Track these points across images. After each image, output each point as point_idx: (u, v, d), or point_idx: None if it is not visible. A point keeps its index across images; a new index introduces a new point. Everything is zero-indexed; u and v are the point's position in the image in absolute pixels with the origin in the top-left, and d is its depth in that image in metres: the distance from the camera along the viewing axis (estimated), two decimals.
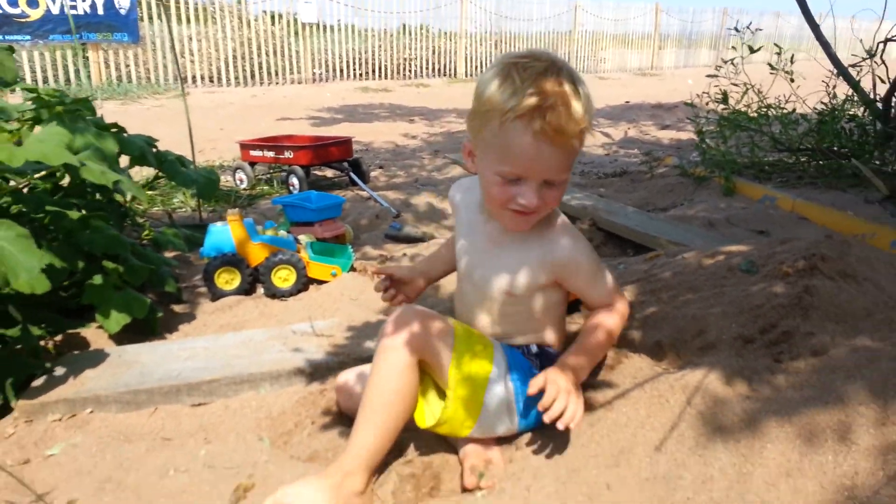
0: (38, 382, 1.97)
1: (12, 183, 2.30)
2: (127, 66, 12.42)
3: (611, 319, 1.57)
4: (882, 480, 1.21)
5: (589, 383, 1.82)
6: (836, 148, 4.29)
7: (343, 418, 1.89)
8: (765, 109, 4.79)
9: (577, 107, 1.31)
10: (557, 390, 1.36)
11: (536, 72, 1.31)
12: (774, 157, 4.75)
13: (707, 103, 4.92)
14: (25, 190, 2.42)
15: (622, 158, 6.20)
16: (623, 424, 1.49)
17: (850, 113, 4.50)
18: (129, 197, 3.32)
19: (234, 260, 2.82)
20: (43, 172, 2.25)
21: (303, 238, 3.11)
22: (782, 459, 1.30)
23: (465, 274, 1.64)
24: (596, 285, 1.57)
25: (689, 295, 2.03)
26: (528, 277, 1.54)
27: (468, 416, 1.49)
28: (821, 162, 4.35)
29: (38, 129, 2.38)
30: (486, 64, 16.66)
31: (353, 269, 3.05)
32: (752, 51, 4.61)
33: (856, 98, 4.43)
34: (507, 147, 1.34)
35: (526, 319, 1.62)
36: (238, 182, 5.13)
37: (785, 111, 4.75)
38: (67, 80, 11.62)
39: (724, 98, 4.82)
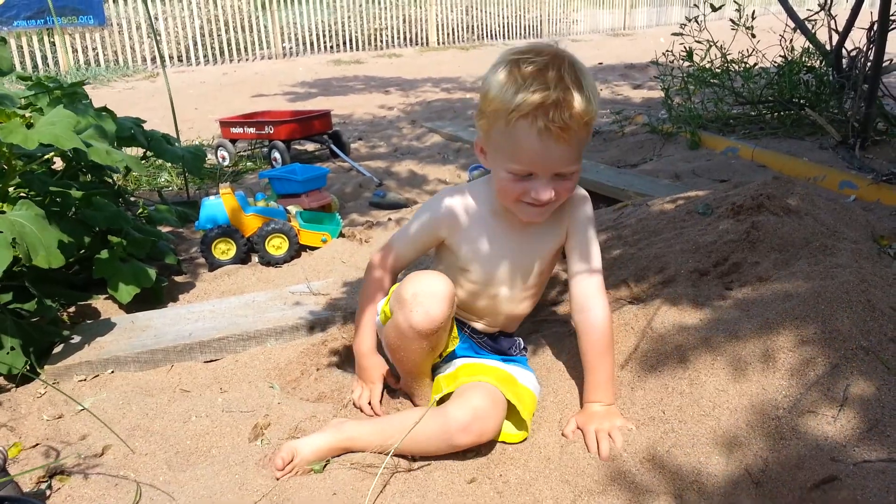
0: (59, 349, 2.13)
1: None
2: (94, 49, 12.30)
3: (602, 323, 1.57)
4: (802, 387, 1.43)
5: (563, 318, 2.03)
6: (794, 99, 4.50)
7: (345, 363, 2.08)
8: (727, 65, 4.97)
9: (579, 100, 1.32)
10: (595, 443, 1.46)
11: (538, 68, 1.32)
12: (738, 110, 4.95)
13: (673, 61, 5.09)
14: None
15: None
16: None
17: (808, 65, 4.70)
18: (120, 177, 3.45)
19: (229, 231, 2.98)
20: (51, 154, 2.38)
21: (292, 208, 3.27)
22: (731, 369, 1.52)
23: (486, 276, 1.62)
24: (590, 258, 1.60)
25: (651, 237, 2.23)
26: (554, 249, 1.63)
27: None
28: (781, 113, 4.56)
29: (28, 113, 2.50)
30: (458, 31, 16.66)
31: (342, 234, 3.22)
32: (714, 9, 4.77)
33: (813, 50, 4.63)
34: (515, 146, 1.37)
35: (537, 294, 1.72)
36: (220, 159, 5.24)
37: (746, 66, 4.94)
38: (35, 67, 11.50)
39: (690, 55, 5.00)
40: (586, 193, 1.63)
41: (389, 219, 3.58)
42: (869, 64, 3.75)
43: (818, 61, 4.62)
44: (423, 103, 8.08)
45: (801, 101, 4.43)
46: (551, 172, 1.40)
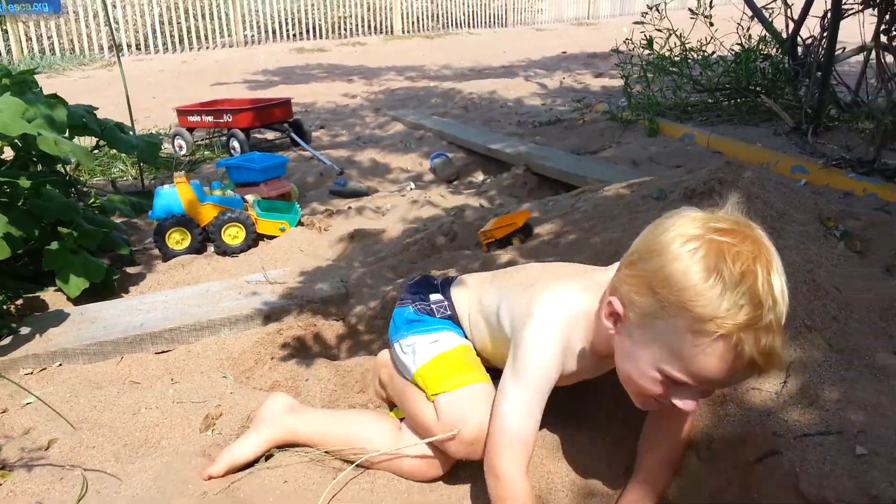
0: (5, 342, 2.08)
1: None
2: (49, 37, 11.97)
3: (680, 431, 1.33)
4: None
5: None
6: (751, 86, 4.57)
7: (300, 352, 2.06)
8: (686, 53, 5.03)
9: (784, 317, 1.03)
10: None
11: (747, 265, 0.99)
12: (696, 97, 5.01)
13: (633, 49, 5.13)
14: None
15: (557, 107, 6.40)
16: None
17: (765, 53, 4.77)
18: (72, 166, 3.36)
19: (184, 220, 2.93)
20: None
21: (249, 197, 3.22)
22: None
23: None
24: None
25: (607, 222, 2.25)
26: None
27: None
28: (737, 100, 4.63)
29: None
30: (423, 19, 16.56)
31: (301, 223, 3.19)
32: None
33: (769, 38, 4.71)
34: (693, 359, 1.04)
35: None
36: (177, 149, 5.15)
37: (705, 54, 5.00)
38: None
39: (650, 44, 5.05)
40: None
41: (350, 207, 3.56)
42: (822, 52, 3.82)
43: (774, 49, 4.70)
44: (386, 92, 8.03)
45: (757, 89, 4.50)
46: (715, 389, 1.12)
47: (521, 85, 8.01)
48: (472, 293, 1.52)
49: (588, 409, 1.52)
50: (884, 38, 3.67)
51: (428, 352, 1.46)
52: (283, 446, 1.54)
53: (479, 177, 4.41)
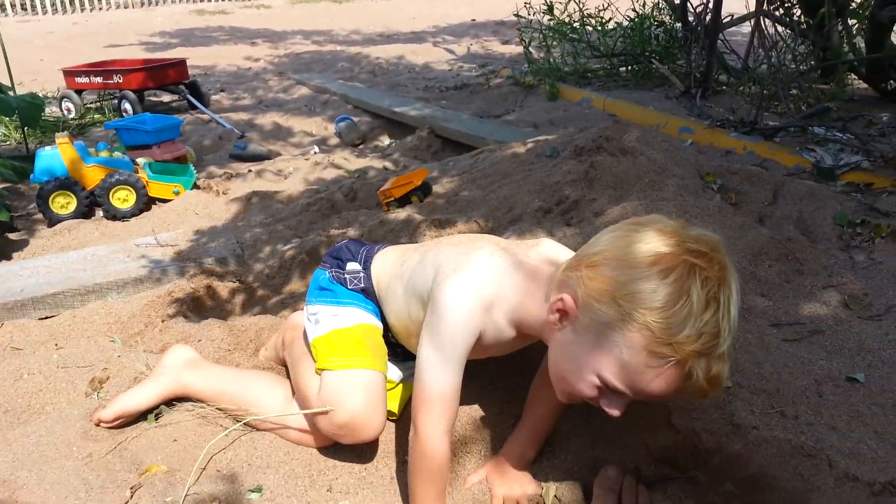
0: None
1: None
2: None
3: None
4: None
5: None
6: (646, 52, 4.72)
7: (193, 314, 2.02)
8: (584, 19, 5.14)
9: (730, 339, 1.01)
10: None
11: (713, 292, 0.98)
12: (596, 63, 5.14)
13: (534, 15, 5.20)
14: None
15: (464, 73, 6.42)
16: None
17: (659, 20, 4.93)
18: None
19: (67, 183, 2.78)
20: None
21: (140, 160, 3.10)
22: None
23: None
24: None
25: (502, 180, 2.30)
26: None
27: None
28: (633, 66, 4.78)
29: None
30: None
31: (196, 186, 3.10)
32: None
33: (663, 5, 4.87)
34: (640, 376, 1.02)
35: None
36: (66, 112, 4.87)
37: (602, 20, 5.13)
38: None
39: (550, 9, 5.12)
40: None
41: (250, 170, 3.48)
42: (709, 18, 3.98)
43: (668, 16, 4.87)
44: (291, 56, 7.83)
45: (651, 55, 4.66)
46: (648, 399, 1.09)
47: (430, 51, 7.98)
48: (394, 260, 1.46)
49: (485, 361, 1.56)
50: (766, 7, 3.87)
51: (327, 324, 1.43)
52: (177, 400, 1.52)
53: (385, 141, 4.39)
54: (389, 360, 1.45)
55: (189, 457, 1.39)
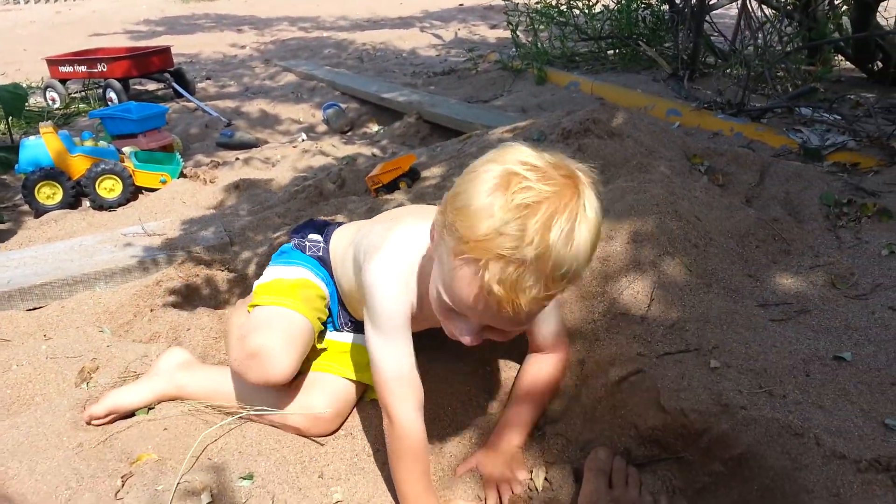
0: None
1: None
2: None
3: (553, 372, 1.40)
4: (616, 292, 1.55)
5: None
6: (633, 35, 4.71)
7: (182, 303, 2.00)
8: (572, 2, 5.12)
9: (560, 263, 0.93)
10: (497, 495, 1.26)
11: (531, 200, 0.91)
12: (584, 48, 5.12)
13: None
14: None
15: (451, 58, 6.39)
16: None
17: (646, 2, 4.92)
18: None
19: (53, 173, 2.76)
20: None
21: (126, 149, 3.07)
22: None
23: None
24: (544, 320, 1.37)
25: None
26: None
27: None
28: (620, 49, 4.77)
29: None
30: None
31: (183, 175, 3.08)
32: None
33: None
34: (448, 282, 1.01)
35: None
36: (50, 101, 4.81)
37: (589, 3, 5.11)
38: None
39: None
40: None
41: (237, 158, 3.45)
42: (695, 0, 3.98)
43: None
44: (277, 42, 7.76)
45: (638, 37, 4.65)
46: (483, 325, 1.06)
47: (417, 36, 7.93)
48: (353, 232, 1.50)
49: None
50: None
51: (271, 275, 1.50)
52: (170, 401, 1.52)
53: (374, 127, 4.37)
54: (346, 330, 1.53)
55: (180, 445, 1.39)
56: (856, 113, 2.95)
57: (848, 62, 3.96)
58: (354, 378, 1.45)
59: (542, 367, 1.40)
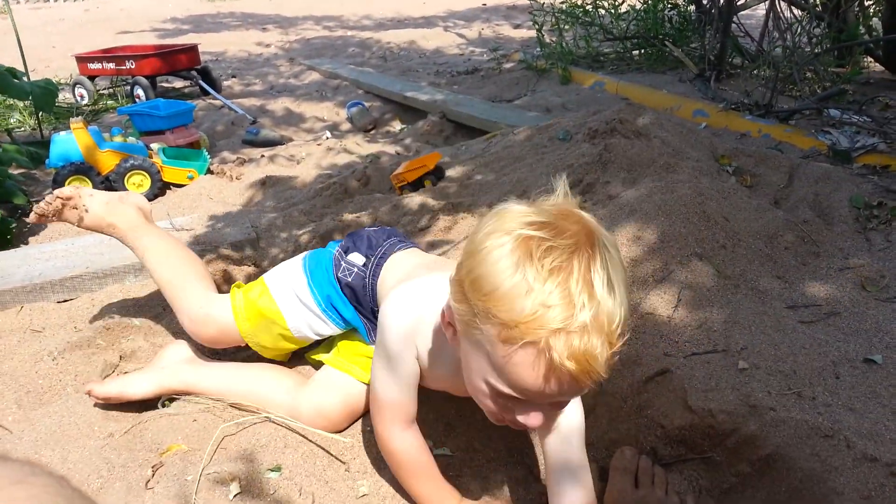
0: None
1: None
2: None
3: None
4: (643, 292, 1.54)
5: (431, 242, 2.07)
6: (659, 35, 4.68)
7: None
8: (597, 1, 5.10)
9: (613, 316, 0.86)
10: None
11: (559, 261, 0.85)
12: (609, 48, 5.10)
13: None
14: None
15: (475, 57, 6.40)
16: None
17: (672, 2, 4.88)
18: None
19: (83, 168, 2.80)
20: None
21: (154, 145, 3.11)
22: None
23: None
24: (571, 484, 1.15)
25: (515, 163, 2.29)
26: None
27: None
28: (646, 49, 4.75)
29: None
30: None
31: (210, 171, 3.11)
32: None
33: None
34: (506, 370, 0.91)
35: None
36: (79, 98, 4.89)
37: (615, 3, 5.08)
38: None
39: None
40: None
41: (262, 156, 3.48)
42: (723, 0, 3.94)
43: None
44: (302, 41, 7.81)
45: (664, 38, 4.62)
46: (550, 402, 0.98)
47: (441, 35, 7.94)
48: (411, 268, 1.38)
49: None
50: None
51: (274, 285, 1.51)
52: (177, 395, 1.54)
53: (397, 126, 4.38)
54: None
55: (208, 437, 1.41)
56: (885, 115, 2.91)
57: (878, 64, 3.90)
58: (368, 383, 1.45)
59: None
